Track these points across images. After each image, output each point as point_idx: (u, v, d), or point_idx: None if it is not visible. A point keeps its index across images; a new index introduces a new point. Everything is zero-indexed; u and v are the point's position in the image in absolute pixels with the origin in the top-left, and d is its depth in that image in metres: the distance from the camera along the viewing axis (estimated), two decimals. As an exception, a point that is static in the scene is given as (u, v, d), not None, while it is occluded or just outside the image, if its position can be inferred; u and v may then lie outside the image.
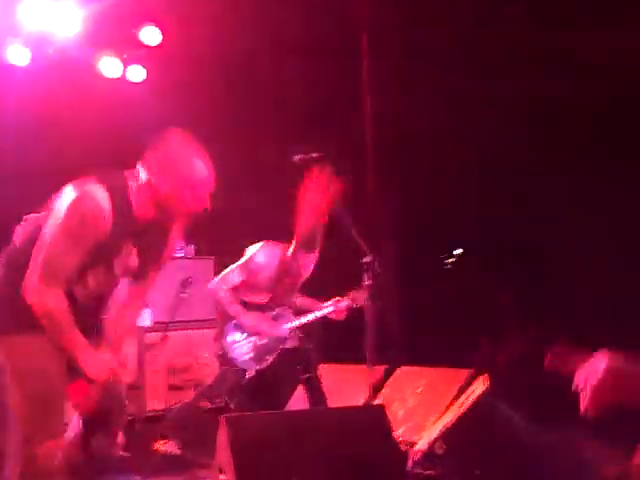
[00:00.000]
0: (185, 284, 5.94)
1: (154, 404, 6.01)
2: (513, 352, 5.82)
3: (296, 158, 5.11)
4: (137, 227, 3.17)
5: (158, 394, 6.02)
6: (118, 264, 3.19)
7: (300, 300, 5.56)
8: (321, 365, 5.34)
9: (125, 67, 7.49)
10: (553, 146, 6.54)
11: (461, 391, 4.87)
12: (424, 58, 6.68)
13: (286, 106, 7.28)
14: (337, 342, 5.79)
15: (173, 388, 6.05)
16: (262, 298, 5.30)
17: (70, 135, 7.02)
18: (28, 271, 3.03)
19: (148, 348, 5.93)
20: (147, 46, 7.30)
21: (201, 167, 3.22)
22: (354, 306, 5.29)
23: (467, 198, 6.64)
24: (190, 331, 6.23)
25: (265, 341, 5.23)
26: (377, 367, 4.87)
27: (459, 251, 7.03)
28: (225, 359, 5.17)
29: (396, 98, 6.83)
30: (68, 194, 3.07)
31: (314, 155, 4.87)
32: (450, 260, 7.05)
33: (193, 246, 6.70)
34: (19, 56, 7.16)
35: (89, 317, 3.21)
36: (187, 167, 3.18)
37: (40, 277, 3.00)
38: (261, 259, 5.23)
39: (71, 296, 3.10)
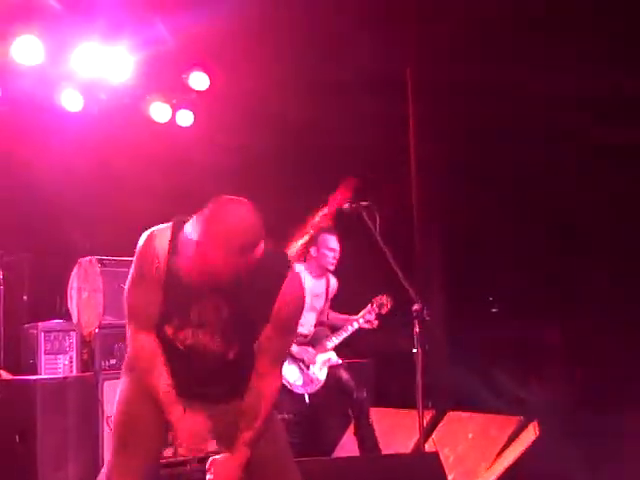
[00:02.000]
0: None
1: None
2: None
3: (345, 206, 5.23)
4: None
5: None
6: (198, 315, 2.97)
7: (332, 316, 5.85)
8: (371, 409, 5.40)
9: (174, 112, 7.70)
10: (595, 186, 6.56)
11: (511, 438, 4.89)
12: (469, 107, 6.78)
13: (331, 151, 7.40)
14: (385, 386, 5.84)
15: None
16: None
17: (121, 178, 7.23)
18: None
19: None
20: (195, 91, 7.51)
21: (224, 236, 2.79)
22: (382, 312, 5.60)
23: (507, 241, 6.70)
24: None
25: (310, 367, 5.46)
26: (426, 412, 4.90)
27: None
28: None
29: (440, 143, 6.95)
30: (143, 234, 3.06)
31: (363, 203, 4.97)
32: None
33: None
34: (72, 101, 7.39)
35: (197, 379, 3.05)
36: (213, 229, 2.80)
37: (130, 323, 3.06)
38: None
39: (175, 353, 3.02)
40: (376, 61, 6.87)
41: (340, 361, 5.62)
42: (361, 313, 5.72)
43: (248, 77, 7.18)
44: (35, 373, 5.94)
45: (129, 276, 3.05)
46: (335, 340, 5.60)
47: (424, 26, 6.69)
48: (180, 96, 7.63)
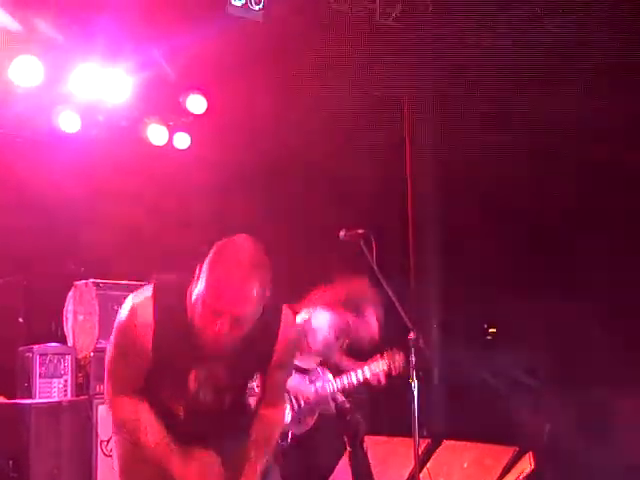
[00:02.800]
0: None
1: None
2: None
3: (342, 234, 5.25)
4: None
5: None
6: (195, 383, 2.91)
7: (339, 358, 5.58)
8: (366, 437, 5.39)
9: (171, 134, 7.72)
10: (597, 225, 6.61)
11: (507, 469, 4.90)
12: (465, 146, 6.86)
13: (327, 174, 7.45)
14: (381, 414, 5.85)
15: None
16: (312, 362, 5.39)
17: (118, 200, 7.24)
18: None
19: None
20: (193, 114, 7.54)
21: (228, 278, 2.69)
22: (392, 371, 5.30)
23: (503, 270, 6.75)
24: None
25: (303, 404, 5.28)
26: (421, 440, 4.91)
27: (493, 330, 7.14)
28: None
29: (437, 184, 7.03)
30: (123, 306, 2.91)
31: (359, 231, 4.99)
32: (492, 331, 7.12)
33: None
34: (70, 123, 7.41)
35: (193, 433, 3.00)
36: (217, 273, 2.71)
37: (108, 388, 2.99)
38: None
39: (170, 413, 2.97)
40: (374, 88, 6.93)
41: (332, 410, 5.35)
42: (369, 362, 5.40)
43: (245, 101, 7.22)
44: (30, 397, 5.93)
45: (110, 346, 2.95)
46: (337, 383, 5.35)
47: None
48: (177, 119, 7.66)
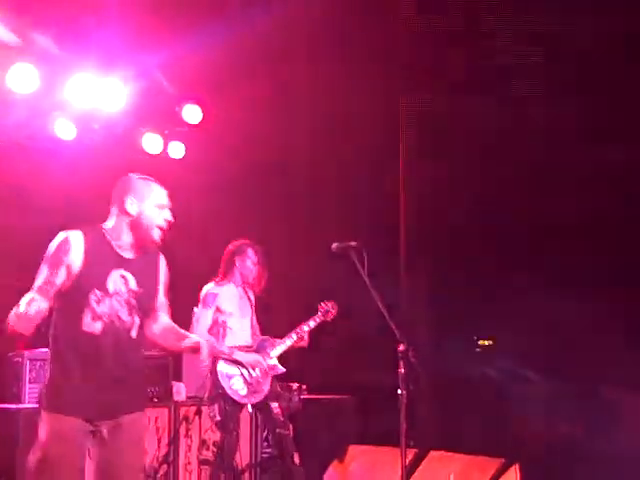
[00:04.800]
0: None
1: (186, 478, 6.11)
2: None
3: (334, 246, 5.28)
4: (120, 257, 3.63)
5: (190, 469, 6.12)
6: (114, 285, 3.57)
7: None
8: (352, 446, 5.42)
9: (166, 143, 7.76)
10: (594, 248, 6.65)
11: (493, 480, 4.92)
12: (458, 157, 6.92)
13: (321, 192, 7.50)
14: (367, 423, 5.88)
15: (204, 462, 6.14)
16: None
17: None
18: None
19: (182, 422, 6.04)
20: (188, 124, 7.59)
21: (155, 184, 3.78)
22: (328, 319, 5.76)
23: (494, 280, 6.78)
24: (223, 406, 6.33)
25: (256, 374, 5.54)
26: (408, 450, 4.93)
27: (489, 342, 7.17)
28: (219, 396, 5.41)
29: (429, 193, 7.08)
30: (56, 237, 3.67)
31: (351, 244, 5.03)
32: (481, 343, 7.15)
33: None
34: (65, 131, 7.45)
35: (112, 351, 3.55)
36: (146, 185, 3.75)
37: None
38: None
39: (89, 335, 3.51)
40: (368, 97, 6.99)
41: (283, 370, 5.69)
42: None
43: (240, 110, 7.27)
44: (19, 402, 5.95)
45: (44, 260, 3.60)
46: (280, 348, 5.68)
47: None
48: (172, 128, 7.70)
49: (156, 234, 3.67)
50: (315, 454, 5.60)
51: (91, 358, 3.49)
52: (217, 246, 7.58)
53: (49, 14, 6.37)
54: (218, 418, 5.37)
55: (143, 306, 3.65)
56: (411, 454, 5.36)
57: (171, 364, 6.38)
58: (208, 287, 5.68)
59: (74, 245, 3.54)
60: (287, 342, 5.71)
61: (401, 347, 4.68)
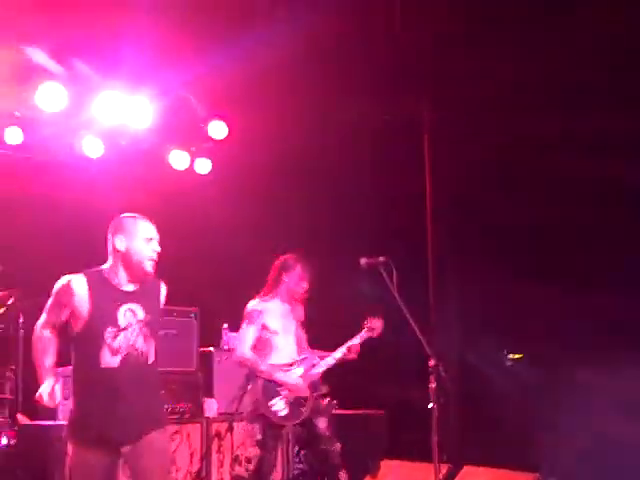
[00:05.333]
0: (250, 376, 6.08)
1: (218, 494, 6.15)
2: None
3: (362, 261, 5.32)
4: (123, 292, 3.86)
5: (222, 484, 6.15)
6: (125, 319, 3.80)
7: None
8: (385, 461, 5.42)
9: (193, 159, 7.83)
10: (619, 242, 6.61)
11: (527, 496, 4.90)
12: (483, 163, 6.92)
13: (348, 202, 7.52)
14: (400, 438, 5.87)
15: (237, 478, 6.15)
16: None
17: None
18: None
19: (214, 438, 6.08)
20: (214, 140, 7.65)
21: (141, 220, 3.98)
22: (374, 336, 5.56)
23: (523, 290, 6.76)
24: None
25: (297, 395, 5.42)
26: (442, 465, 4.93)
27: (519, 355, 7.15)
28: (260, 416, 5.33)
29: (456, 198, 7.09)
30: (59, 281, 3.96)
31: (380, 259, 5.05)
32: (512, 357, 7.13)
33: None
34: (93, 148, 7.53)
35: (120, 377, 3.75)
36: (132, 223, 3.96)
37: (39, 322, 3.95)
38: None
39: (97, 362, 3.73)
40: (394, 108, 7.01)
41: (326, 389, 5.59)
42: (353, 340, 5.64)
43: (266, 126, 7.30)
44: (53, 418, 6.01)
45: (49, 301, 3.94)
46: (323, 364, 5.55)
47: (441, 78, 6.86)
48: (199, 144, 7.77)
49: (148, 265, 3.91)
50: (347, 470, 5.57)
51: (111, 392, 3.71)
52: (244, 260, 7.65)
53: (77, 36, 6.44)
54: (259, 437, 5.32)
55: (154, 330, 3.89)
56: (444, 469, 5.35)
57: (202, 380, 6.41)
58: (253, 303, 5.59)
59: (77, 290, 3.82)
60: (329, 360, 5.56)
61: (431, 362, 4.71)
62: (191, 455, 6.07)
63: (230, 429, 6.05)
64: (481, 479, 5.36)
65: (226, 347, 6.73)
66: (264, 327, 5.50)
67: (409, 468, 5.65)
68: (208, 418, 6.21)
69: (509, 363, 7.12)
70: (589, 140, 6.55)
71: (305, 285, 5.61)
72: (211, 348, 6.56)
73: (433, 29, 6.47)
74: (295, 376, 5.49)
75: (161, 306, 3.99)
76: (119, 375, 3.72)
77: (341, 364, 5.63)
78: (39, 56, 6.66)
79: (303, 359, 5.59)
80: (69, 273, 3.98)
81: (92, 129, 7.47)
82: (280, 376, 5.42)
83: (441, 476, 4.93)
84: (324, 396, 5.64)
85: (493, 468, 5.33)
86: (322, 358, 5.60)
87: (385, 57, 6.72)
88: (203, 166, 7.85)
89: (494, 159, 7.00)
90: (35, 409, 6.37)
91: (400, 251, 5.03)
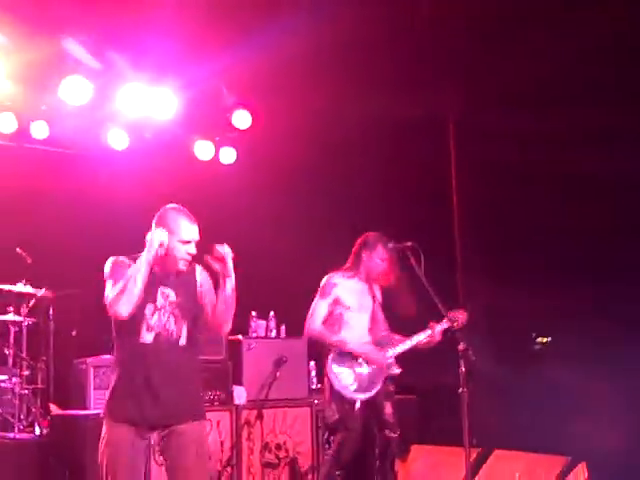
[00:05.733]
0: (278, 363, 6.08)
1: (249, 481, 6.18)
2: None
3: (390, 245, 5.32)
4: (159, 276, 3.89)
5: (253, 471, 6.17)
6: (160, 300, 3.88)
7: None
8: (415, 446, 5.42)
9: (217, 149, 7.85)
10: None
11: (559, 479, 4.88)
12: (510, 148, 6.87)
13: (371, 195, 7.50)
14: (430, 423, 5.86)
15: (267, 465, 6.19)
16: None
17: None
18: None
19: (243, 426, 6.10)
20: (238, 129, 7.66)
21: (184, 218, 3.95)
22: (455, 327, 5.20)
23: (551, 277, 6.73)
24: (284, 409, 6.39)
25: (369, 370, 5.33)
26: (472, 450, 4.92)
27: (548, 339, 7.09)
28: (336, 394, 5.23)
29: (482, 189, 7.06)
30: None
31: (407, 244, 5.05)
32: (540, 340, 7.09)
33: (284, 326, 6.91)
34: (118, 140, 7.58)
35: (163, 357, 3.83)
36: (174, 219, 3.94)
37: (109, 292, 3.89)
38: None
39: (141, 343, 3.82)
40: (419, 105, 6.98)
41: (399, 370, 5.42)
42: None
43: (290, 115, 7.30)
44: (84, 408, 6.07)
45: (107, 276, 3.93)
46: (400, 348, 5.40)
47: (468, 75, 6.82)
48: (223, 134, 7.78)
49: (180, 264, 3.93)
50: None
51: (145, 369, 3.78)
52: (269, 249, 7.66)
53: (102, 27, 6.47)
54: (337, 416, 5.22)
55: (187, 313, 3.92)
56: (474, 453, 5.34)
57: (231, 368, 6.44)
58: (329, 276, 5.45)
59: (127, 264, 3.89)
60: (408, 343, 5.42)
61: (461, 346, 4.70)
62: (221, 443, 6.09)
63: (260, 416, 6.05)
64: (512, 463, 5.34)
65: (254, 334, 6.75)
66: (337, 301, 5.38)
67: (439, 453, 5.65)
68: (238, 406, 6.22)
69: (537, 347, 7.08)
70: (620, 138, 6.49)
71: (384, 265, 5.43)
72: (240, 336, 6.58)
73: (460, 22, 6.44)
74: (369, 348, 5.35)
75: (199, 288, 3.98)
76: (152, 352, 3.79)
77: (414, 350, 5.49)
78: (76, 49, 6.73)
79: (379, 338, 5.44)
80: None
81: (117, 121, 7.52)
82: (354, 346, 5.30)
83: (471, 460, 4.93)
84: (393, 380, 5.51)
85: (523, 452, 5.31)
86: (400, 341, 5.46)
87: (411, 48, 6.68)
88: (228, 156, 7.85)
89: (520, 154, 6.96)
90: (67, 399, 6.47)
91: (425, 245, 4.99)
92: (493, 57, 6.58)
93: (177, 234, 3.88)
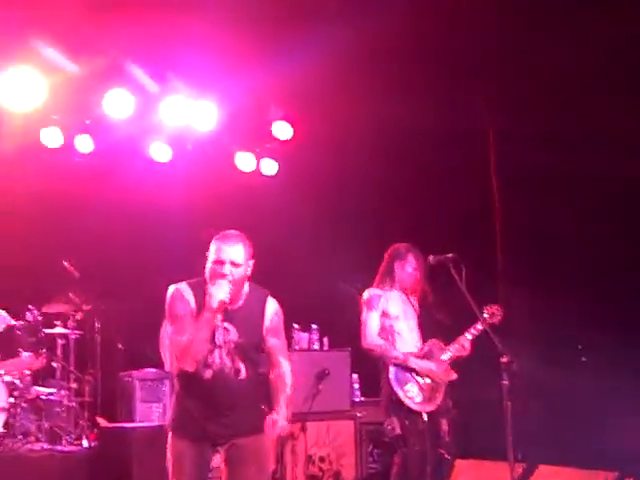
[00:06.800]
0: (322, 376, 6.11)
1: (293, 493, 6.20)
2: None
3: (431, 258, 5.28)
4: (225, 309, 3.77)
5: (297, 484, 6.20)
6: (218, 337, 3.78)
7: None
8: (459, 461, 5.37)
9: (258, 161, 7.90)
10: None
11: (605, 496, 4.80)
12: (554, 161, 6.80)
13: (415, 206, 7.47)
14: (474, 437, 5.81)
15: (311, 478, 6.21)
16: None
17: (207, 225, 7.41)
18: None
19: (287, 438, 6.12)
20: (279, 140, 7.70)
21: (219, 242, 3.80)
22: (495, 322, 5.28)
23: (594, 290, 6.64)
24: (327, 422, 6.41)
25: (430, 382, 5.30)
26: (516, 464, 4.87)
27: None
28: (397, 408, 5.19)
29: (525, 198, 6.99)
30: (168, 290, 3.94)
31: (449, 256, 5.01)
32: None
33: (327, 339, 6.92)
34: (161, 153, 7.67)
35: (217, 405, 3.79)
36: (212, 243, 3.81)
37: (167, 333, 3.85)
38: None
39: (200, 378, 3.76)
40: (459, 112, 6.94)
41: (455, 376, 5.37)
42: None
43: (330, 125, 7.30)
44: (131, 420, 6.16)
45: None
46: (449, 353, 5.36)
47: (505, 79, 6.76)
48: (264, 145, 7.82)
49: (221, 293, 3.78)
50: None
51: (203, 398, 3.79)
52: (310, 259, 7.67)
53: (144, 42, 6.56)
54: (398, 432, 5.16)
55: (246, 354, 3.84)
56: (519, 468, 5.28)
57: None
58: (370, 290, 5.43)
59: (187, 297, 3.80)
60: (457, 346, 5.35)
61: (504, 359, 4.65)
62: (265, 455, 6.13)
63: (303, 429, 6.08)
64: (556, 478, 5.27)
65: (297, 347, 6.77)
66: (384, 313, 5.35)
67: (483, 467, 5.59)
68: (280, 418, 6.26)
69: (584, 359, 6.99)
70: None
71: (417, 274, 5.43)
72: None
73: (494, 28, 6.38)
74: (428, 364, 5.30)
75: (266, 324, 3.88)
76: (210, 386, 3.79)
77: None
78: (137, 72, 6.89)
79: (431, 345, 5.40)
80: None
81: (160, 134, 7.61)
82: (414, 361, 5.26)
83: (516, 476, 4.88)
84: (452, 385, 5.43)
85: (569, 467, 5.23)
86: (449, 346, 5.39)
87: (449, 58, 6.64)
88: (269, 167, 7.91)
89: (561, 162, 6.87)
90: (113, 412, 6.57)
91: (468, 256, 4.96)
92: (532, 65, 6.50)
93: (211, 256, 3.80)
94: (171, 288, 3.86)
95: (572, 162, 6.74)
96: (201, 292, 3.77)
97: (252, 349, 3.87)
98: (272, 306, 3.93)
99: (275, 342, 3.93)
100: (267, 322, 3.90)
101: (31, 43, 6.32)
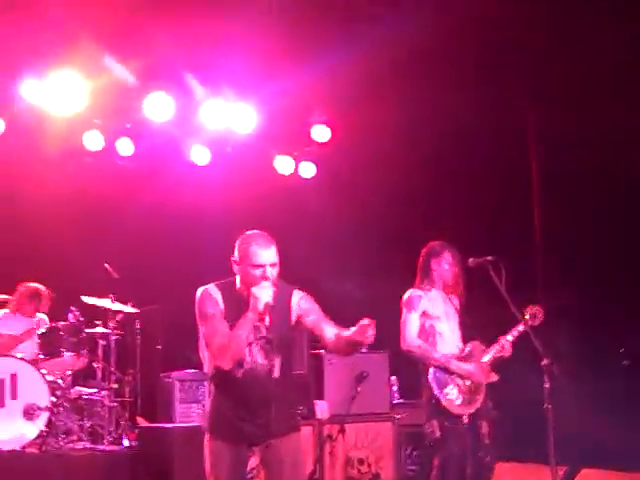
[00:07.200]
0: (360, 378, 6.09)
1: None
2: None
3: (471, 261, 5.24)
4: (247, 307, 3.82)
5: (335, 486, 6.20)
6: (253, 333, 3.79)
7: None
8: (499, 464, 5.32)
9: (297, 164, 7.93)
10: None
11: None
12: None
13: (451, 209, 7.43)
14: (516, 440, 5.75)
15: (350, 480, 6.21)
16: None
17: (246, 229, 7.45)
18: None
19: (326, 440, 6.13)
20: (317, 143, 7.72)
21: (253, 244, 3.78)
22: (535, 324, 5.16)
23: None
24: (365, 424, 6.37)
25: (470, 383, 5.21)
26: (558, 467, 4.82)
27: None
28: (437, 411, 5.12)
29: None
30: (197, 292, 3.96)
31: (488, 258, 4.97)
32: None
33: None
34: (200, 156, 7.74)
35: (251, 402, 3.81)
36: (243, 244, 3.81)
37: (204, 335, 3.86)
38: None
39: (231, 376, 3.77)
40: (498, 112, 6.90)
41: (496, 377, 5.26)
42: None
43: (368, 128, 7.29)
44: (171, 421, 6.20)
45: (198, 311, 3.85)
46: (491, 354, 5.26)
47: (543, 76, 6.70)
48: (302, 148, 7.85)
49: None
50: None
51: (236, 398, 3.81)
52: (352, 263, 7.67)
53: (184, 46, 6.62)
54: (438, 435, 5.07)
55: (279, 347, 3.84)
56: (561, 472, 5.22)
57: (313, 383, 6.47)
58: (411, 291, 5.35)
59: (215, 297, 3.83)
60: (497, 347, 5.25)
61: (545, 361, 4.60)
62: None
63: (342, 431, 6.07)
64: (600, 483, 5.21)
65: (336, 349, 6.77)
66: (425, 314, 5.27)
67: (524, 471, 5.55)
68: (320, 420, 6.26)
69: (626, 362, 6.87)
70: None
71: (455, 270, 5.34)
72: (322, 350, 6.62)
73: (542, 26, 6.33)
74: (469, 366, 5.22)
75: (296, 313, 3.89)
76: (243, 385, 3.80)
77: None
78: (193, 82, 6.99)
79: (472, 346, 5.32)
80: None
81: (199, 137, 7.69)
82: (454, 364, 5.18)
83: (558, 479, 4.83)
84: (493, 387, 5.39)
85: (613, 471, 5.17)
86: (490, 347, 5.30)
87: (490, 61, 6.61)
88: (308, 170, 7.94)
89: (603, 165, 6.77)
90: (153, 412, 6.62)
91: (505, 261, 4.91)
92: (572, 71, 6.44)
93: (247, 260, 3.78)
94: (200, 289, 3.89)
95: (617, 163, 6.66)
96: (229, 293, 3.82)
97: (283, 346, 3.87)
98: (297, 296, 3.93)
99: (313, 318, 3.91)
100: (295, 311, 3.91)
101: (76, 46, 6.41)
